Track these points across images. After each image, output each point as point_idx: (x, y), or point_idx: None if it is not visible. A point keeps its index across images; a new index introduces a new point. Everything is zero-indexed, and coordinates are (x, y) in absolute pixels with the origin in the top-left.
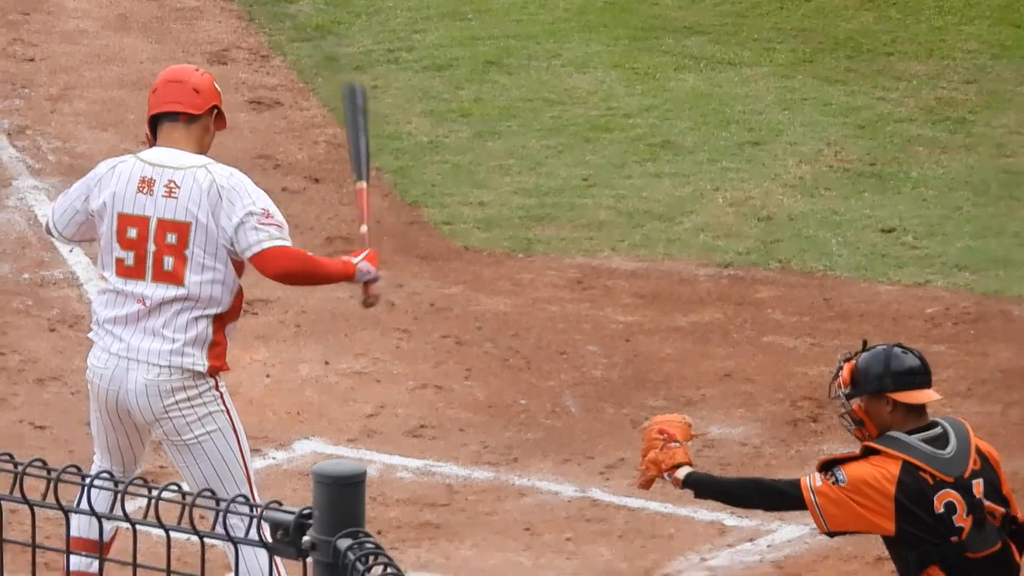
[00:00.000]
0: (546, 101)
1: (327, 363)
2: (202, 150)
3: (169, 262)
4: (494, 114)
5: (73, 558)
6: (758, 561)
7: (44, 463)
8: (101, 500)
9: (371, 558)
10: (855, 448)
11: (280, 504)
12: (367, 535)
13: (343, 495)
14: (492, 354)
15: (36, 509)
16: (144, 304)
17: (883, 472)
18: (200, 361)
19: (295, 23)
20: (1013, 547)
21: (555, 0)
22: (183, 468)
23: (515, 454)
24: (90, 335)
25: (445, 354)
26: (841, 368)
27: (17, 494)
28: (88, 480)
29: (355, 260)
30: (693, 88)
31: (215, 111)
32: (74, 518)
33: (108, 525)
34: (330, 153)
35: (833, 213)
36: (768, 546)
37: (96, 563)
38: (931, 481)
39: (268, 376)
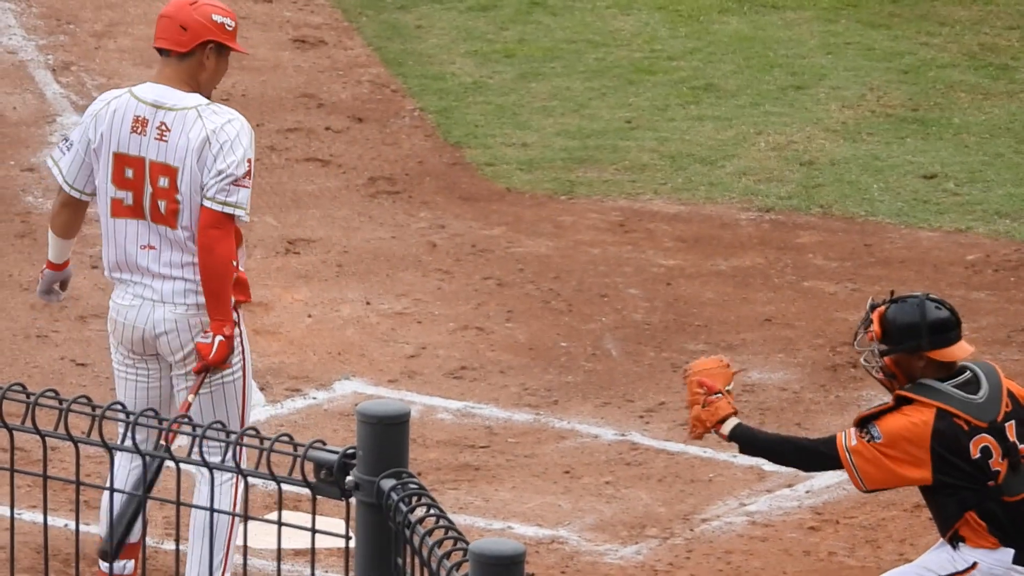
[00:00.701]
0: (590, 43)
1: (368, 303)
2: (197, 86)
3: (163, 205)
4: (538, 55)
5: (109, 562)
6: (796, 507)
7: (89, 400)
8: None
9: (414, 498)
10: (890, 396)
11: (324, 443)
12: (411, 476)
13: (387, 435)
14: (533, 296)
15: (80, 446)
16: (152, 248)
17: (918, 422)
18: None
19: None
20: None
21: None
22: (180, 399)
23: (555, 396)
24: (108, 275)
25: (486, 296)
26: (871, 320)
27: (61, 431)
28: (132, 418)
29: (220, 338)
30: (736, 31)
31: (211, 46)
32: (107, 518)
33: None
34: (373, 92)
35: (875, 158)
36: (806, 492)
37: (131, 564)
38: (966, 427)
39: (310, 316)
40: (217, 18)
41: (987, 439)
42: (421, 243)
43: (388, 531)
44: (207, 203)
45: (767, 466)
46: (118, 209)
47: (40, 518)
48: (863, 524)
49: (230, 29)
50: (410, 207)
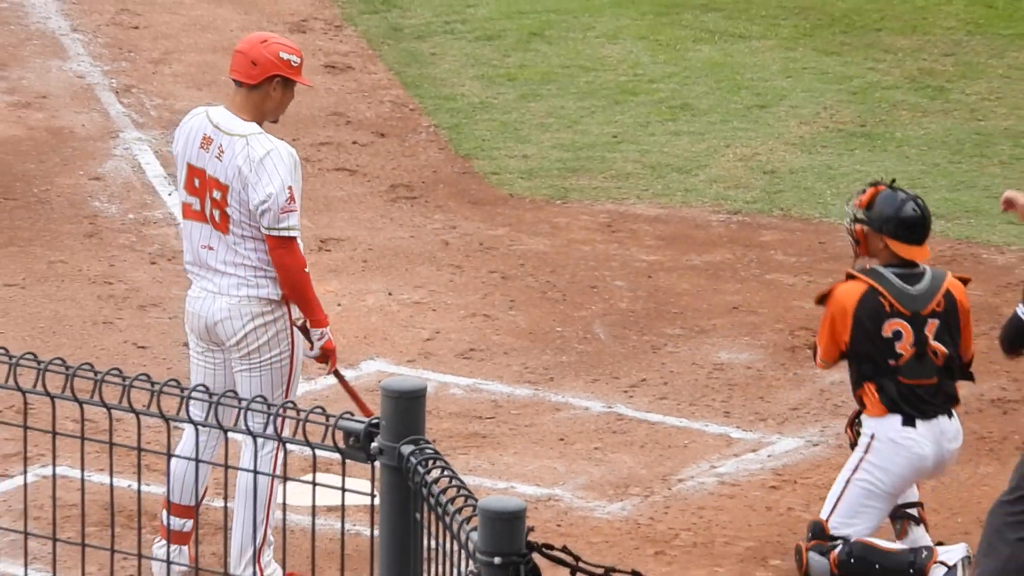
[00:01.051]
0: (581, 68)
1: (390, 294)
2: (261, 115)
3: (216, 214)
4: (536, 79)
5: (172, 519)
6: (759, 469)
7: (148, 377)
8: (203, 447)
9: (430, 462)
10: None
11: (352, 415)
12: (427, 442)
13: (407, 407)
14: (532, 287)
15: (141, 418)
16: (211, 248)
17: (851, 291)
18: (274, 292)
19: None
20: (957, 387)
21: None
22: (237, 380)
23: (551, 374)
24: (186, 269)
25: (492, 287)
26: (865, 190)
27: (125, 404)
28: (187, 392)
29: (326, 329)
30: (708, 58)
31: (277, 79)
32: (174, 483)
33: (201, 484)
34: (394, 111)
35: (828, 168)
36: (768, 456)
37: (189, 523)
38: (887, 308)
39: (339, 305)
40: (284, 55)
41: (902, 324)
42: (435, 241)
43: (407, 490)
44: (266, 231)
45: (734, 433)
46: (188, 212)
47: (107, 479)
48: (817, 483)
49: (295, 65)
50: (426, 210)
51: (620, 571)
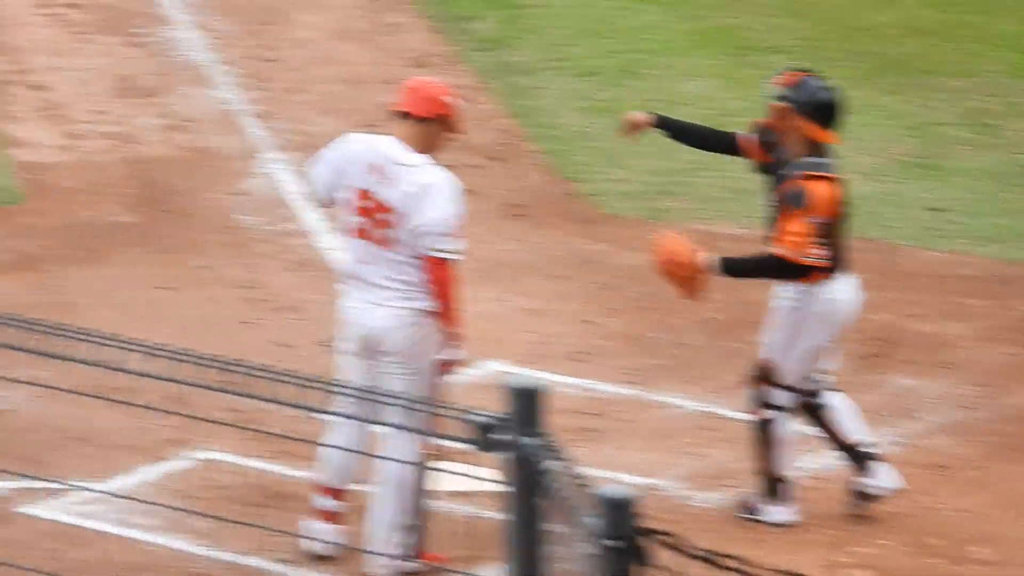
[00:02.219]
0: (667, 102)
1: (503, 302)
2: (424, 149)
3: (382, 233)
4: (628, 111)
5: (320, 499)
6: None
7: (295, 373)
8: (353, 438)
9: (550, 453)
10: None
11: (481, 410)
12: (547, 435)
13: (529, 403)
14: (631, 297)
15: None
16: (373, 265)
17: (832, 193)
18: (430, 304)
19: (476, 36)
20: None
21: (673, 24)
22: (390, 382)
23: (650, 376)
24: (343, 280)
25: (595, 296)
26: (789, 72)
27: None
28: (329, 387)
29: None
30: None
31: (441, 119)
32: (326, 468)
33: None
34: (503, 138)
35: (890, 194)
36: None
37: (339, 504)
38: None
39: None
40: (447, 100)
41: None
42: (543, 255)
43: (530, 478)
44: (433, 252)
45: (808, 432)
46: (354, 232)
47: (256, 464)
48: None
49: (457, 111)
50: (535, 227)
51: (726, 555)
